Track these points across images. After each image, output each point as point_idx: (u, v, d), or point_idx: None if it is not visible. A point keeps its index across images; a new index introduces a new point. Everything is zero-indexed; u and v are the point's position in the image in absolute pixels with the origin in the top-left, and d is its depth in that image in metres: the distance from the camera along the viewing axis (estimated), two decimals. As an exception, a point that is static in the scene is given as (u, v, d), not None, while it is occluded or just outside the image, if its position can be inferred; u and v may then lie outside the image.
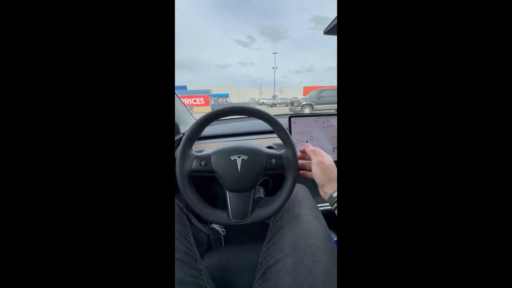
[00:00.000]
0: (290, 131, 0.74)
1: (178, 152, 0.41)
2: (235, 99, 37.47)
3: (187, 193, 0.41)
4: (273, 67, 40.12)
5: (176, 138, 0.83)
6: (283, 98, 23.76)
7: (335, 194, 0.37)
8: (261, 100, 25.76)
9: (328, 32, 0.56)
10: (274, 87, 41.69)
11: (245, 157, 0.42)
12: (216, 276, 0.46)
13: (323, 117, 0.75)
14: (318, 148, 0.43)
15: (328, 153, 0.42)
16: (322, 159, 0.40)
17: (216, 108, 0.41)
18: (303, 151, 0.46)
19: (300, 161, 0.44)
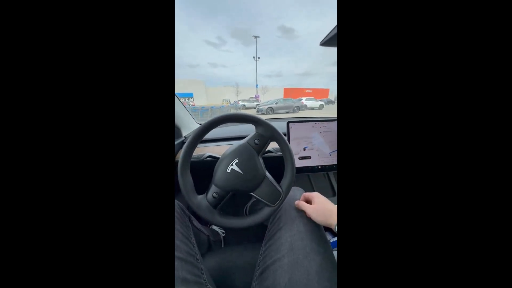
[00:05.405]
0: (288, 136, 0.76)
1: (182, 189, 0.42)
2: (201, 101, 27.62)
3: (212, 218, 0.43)
4: (254, 57, 28.99)
5: (178, 141, 0.81)
6: (286, 99, 12.94)
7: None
8: (241, 103, 18.15)
9: (325, 43, 0.57)
10: (257, 85, 28.52)
11: (236, 160, 0.44)
12: (216, 277, 0.47)
13: (320, 122, 0.78)
14: (316, 193, 0.47)
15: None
16: (316, 206, 0.44)
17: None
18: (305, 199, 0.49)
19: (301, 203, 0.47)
